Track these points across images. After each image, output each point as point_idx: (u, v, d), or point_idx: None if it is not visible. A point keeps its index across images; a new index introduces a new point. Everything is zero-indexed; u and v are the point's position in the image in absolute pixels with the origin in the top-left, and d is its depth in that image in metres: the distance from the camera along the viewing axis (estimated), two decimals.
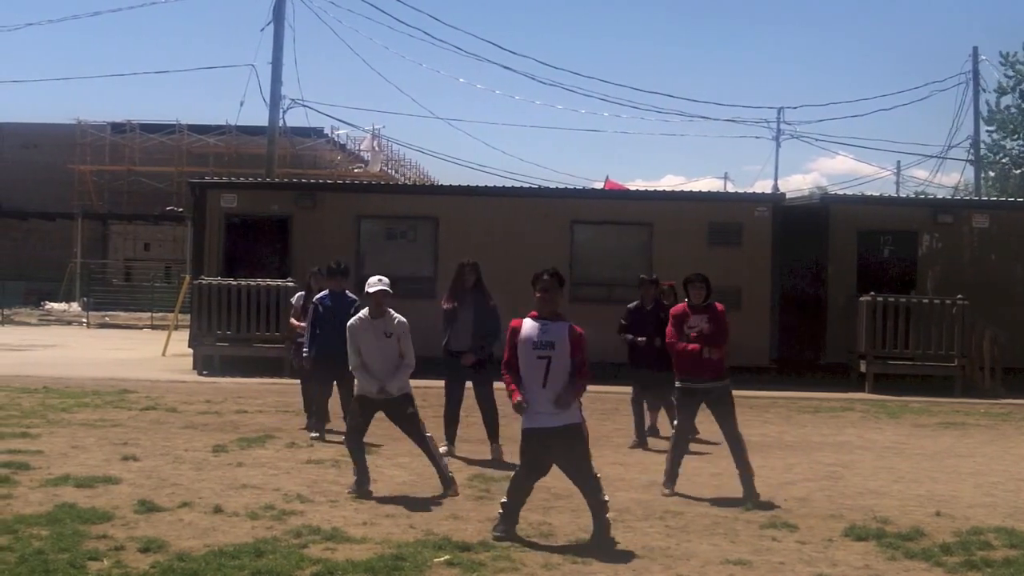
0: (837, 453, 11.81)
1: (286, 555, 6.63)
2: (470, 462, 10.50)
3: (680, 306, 9.51)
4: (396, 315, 9.04)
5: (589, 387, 7.44)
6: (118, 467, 9.61)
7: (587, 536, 7.43)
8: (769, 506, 8.66)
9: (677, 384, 9.47)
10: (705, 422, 13.37)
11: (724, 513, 8.39)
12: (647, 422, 12.60)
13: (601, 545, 7.15)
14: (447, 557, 6.71)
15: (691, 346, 9.14)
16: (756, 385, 18.71)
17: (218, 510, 7.90)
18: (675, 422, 9.88)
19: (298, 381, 13.18)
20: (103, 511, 7.69)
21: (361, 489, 8.74)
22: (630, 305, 12.46)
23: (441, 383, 11.19)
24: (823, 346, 20.62)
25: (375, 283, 8.90)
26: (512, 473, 7.64)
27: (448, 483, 8.88)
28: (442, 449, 10.38)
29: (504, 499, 7.49)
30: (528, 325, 7.32)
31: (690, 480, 9.81)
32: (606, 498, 7.40)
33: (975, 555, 7.16)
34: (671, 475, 9.27)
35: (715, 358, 9.16)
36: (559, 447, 7.31)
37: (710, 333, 9.14)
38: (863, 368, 19.29)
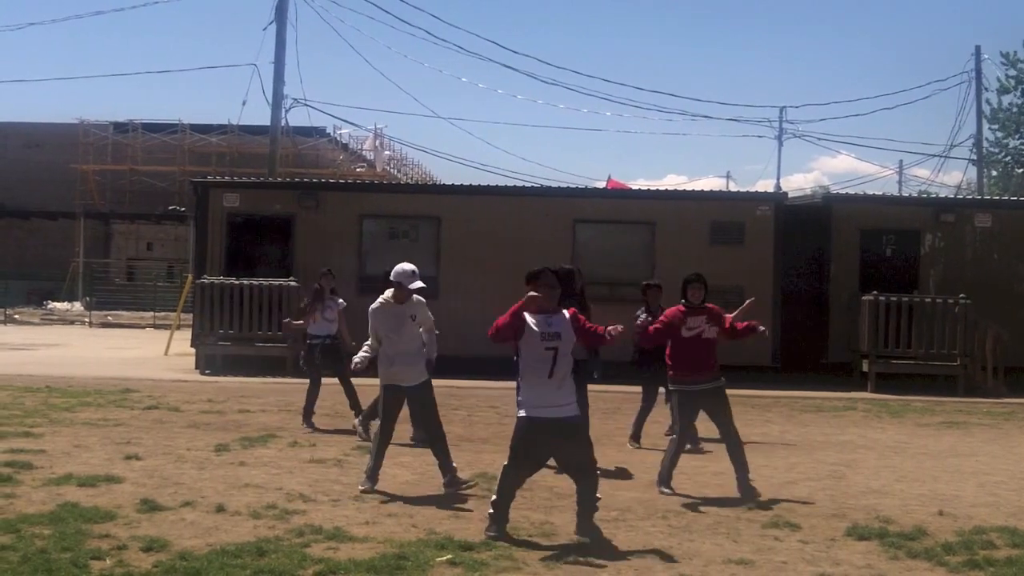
0: (839, 452, 11.81)
1: (288, 554, 6.63)
2: (472, 462, 10.48)
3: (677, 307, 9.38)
4: (418, 297, 9.09)
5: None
6: (120, 466, 9.61)
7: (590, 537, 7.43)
8: (768, 504, 8.66)
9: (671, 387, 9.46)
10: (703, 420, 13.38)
11: (726, 512, 8.38)
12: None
13: (592, 540, 7.16)
14: (449, 556, 6.71)
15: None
16: (758, 384, 18.72)
17: (220, 509, 7.90)
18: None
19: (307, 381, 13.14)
20: (106, 510, 7.69)
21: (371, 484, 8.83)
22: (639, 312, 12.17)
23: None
24: (826, 345, 20.61)
25: (409, 276, 8.90)
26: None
27: (454, 482, 8.85)
28: None
29: (494, 496, 7.49)
30: (532, 319, 7.33)
31: (692, 479, 9.81)
32: (599, 496, 7.41)
33: (978, 554, 7.15)
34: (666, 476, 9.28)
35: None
36: (560, 440, 7.32)
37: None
38: (865, 367, 19.28)
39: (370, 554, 6.70)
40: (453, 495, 8.69)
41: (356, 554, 6.69)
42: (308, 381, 12.88)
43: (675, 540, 7.42)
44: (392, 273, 9.00)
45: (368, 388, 15.35)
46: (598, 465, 7.62)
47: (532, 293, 7.25)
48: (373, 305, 9.04)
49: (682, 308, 9.27)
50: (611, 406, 14.94)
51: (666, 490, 9.11)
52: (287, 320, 13.63)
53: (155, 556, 6.55)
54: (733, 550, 7.17)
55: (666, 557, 6.94)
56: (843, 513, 8.41)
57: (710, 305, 9.32)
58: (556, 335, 7.27)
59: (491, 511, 7.43)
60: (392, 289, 8.98)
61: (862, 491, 9.46)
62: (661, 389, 12.06)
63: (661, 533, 7.64)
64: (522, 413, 7.35)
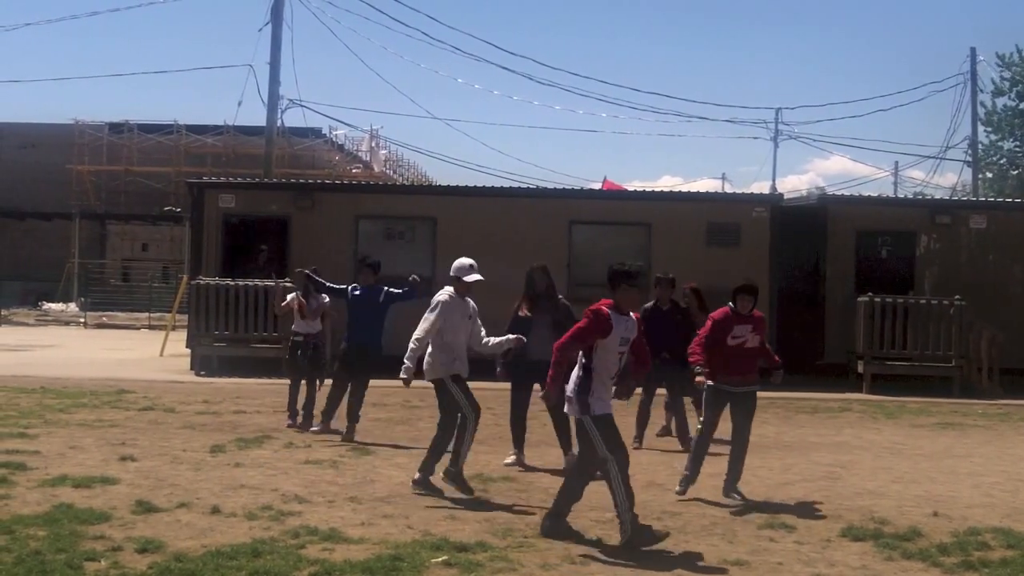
0: (835, 453, 11.82)
1: (284, 556, 6.63)
2: (469, 463, 10.45)
3: (723, 310, 9.04)
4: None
5: None
6: (116, 467, 9.60)
7: (584, 535, 7.43)
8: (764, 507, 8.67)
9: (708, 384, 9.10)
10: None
11: (722, 513, 8.39)
12: (664, 422, 12.67)
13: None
14: (444, 558, 6.71)
15: (698, 379, 8.93)
16: None
17: (216, 511, 7.90)
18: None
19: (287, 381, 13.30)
20: (101, 511, 7.69)
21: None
22: (645, 305, 11.86)
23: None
24: (821, 347, 20.61)
25: (468, 270, 9.20)
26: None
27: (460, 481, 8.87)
28: (510, 458, 10.48)
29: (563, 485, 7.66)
30: (617, 319, 7.41)
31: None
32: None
33: (972, 555, 7.17)
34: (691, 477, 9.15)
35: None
36: None
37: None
38: (861, 368, 19.29)
39: (366, 555, 6.70)
40: (450, 495, 8.69)
41: (352, 555, 6.69)
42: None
43: (671, 541, 7.41)
44: (452, 268, 9.30)
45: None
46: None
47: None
48: (442, 297, 9.16)
49: (728, 312, 8.95)
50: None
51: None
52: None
53: (150, 557, 6.55)
54: (729, 551, 7.18)
55: (662, 558, 6.95)
56: (838, 514, 8.42)
57: (757, 313, 9.07)
58: (628, 340, 7.47)
59: (553, 508, 7.58)
60: (452, 284, 9.20)
61: (857, 492, 9.47)
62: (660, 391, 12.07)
63: None
64: (598, 412, 7.40)
